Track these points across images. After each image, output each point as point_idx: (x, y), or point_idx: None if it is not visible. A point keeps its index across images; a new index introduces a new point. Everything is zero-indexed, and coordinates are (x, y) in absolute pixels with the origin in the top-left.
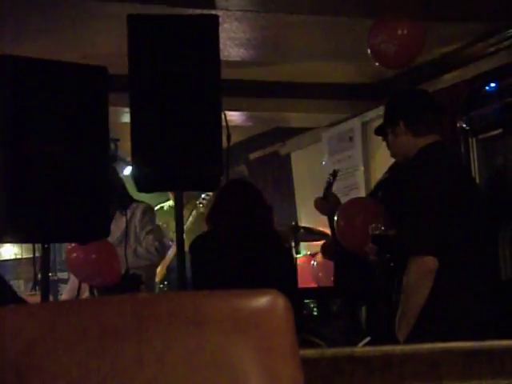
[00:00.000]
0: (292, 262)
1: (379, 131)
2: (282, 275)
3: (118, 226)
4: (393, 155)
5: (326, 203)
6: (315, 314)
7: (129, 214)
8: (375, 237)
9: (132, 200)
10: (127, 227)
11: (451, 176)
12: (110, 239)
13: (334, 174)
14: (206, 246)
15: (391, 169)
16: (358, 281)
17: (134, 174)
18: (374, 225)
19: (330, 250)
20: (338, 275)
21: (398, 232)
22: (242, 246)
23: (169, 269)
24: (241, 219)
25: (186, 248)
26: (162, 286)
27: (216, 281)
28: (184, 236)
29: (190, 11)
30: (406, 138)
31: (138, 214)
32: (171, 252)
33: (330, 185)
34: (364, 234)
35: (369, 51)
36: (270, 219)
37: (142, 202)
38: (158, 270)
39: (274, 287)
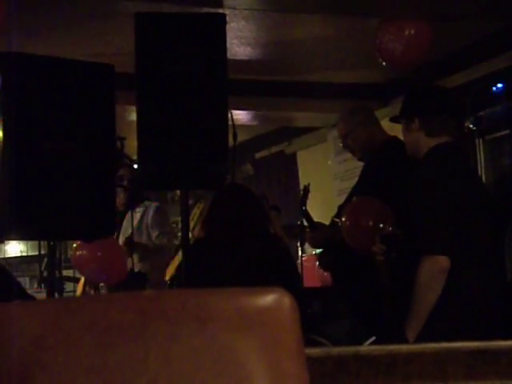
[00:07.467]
0: (292, 262)
1: (395, 120)
2: (281, 276)
3: (130, 224)
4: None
5: (316, 236)
6: (320, 313)
7: (141, 212)
8: (384, 236)
9: (143, 197)
10: (137, 224)
11: (460, 177)
12: (121, 236)
13: (305, 190)
14: (202, 252)
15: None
16: (360, 282)
17: (139, 172)
18: (381, 225)
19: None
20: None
21: (405, 231)
22: (237, 251)
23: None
24: (234, 224)
25: None
26: (171, 284)
27: (213, 287)
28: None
29: (198, 10)
30: (419, 136)
31: (151, 212)
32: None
33: (303, 202)
34: (371, 234)
35: (376, 51)
36: (267, 221)
37: (153, 200)
38: (169, 268)
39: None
